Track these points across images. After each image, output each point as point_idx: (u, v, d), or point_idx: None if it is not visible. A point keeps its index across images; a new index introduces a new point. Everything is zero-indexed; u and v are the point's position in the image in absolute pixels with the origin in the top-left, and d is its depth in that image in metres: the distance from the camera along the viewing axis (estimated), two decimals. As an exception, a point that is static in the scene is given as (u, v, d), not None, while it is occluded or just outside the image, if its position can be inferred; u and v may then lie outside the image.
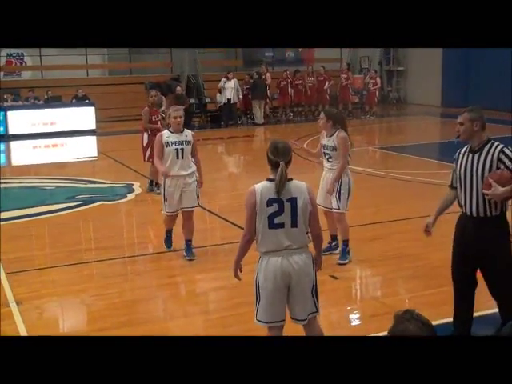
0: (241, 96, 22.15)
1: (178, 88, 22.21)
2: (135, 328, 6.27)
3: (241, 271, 5.02)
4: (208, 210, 10.82)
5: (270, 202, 4.64)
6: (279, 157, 4.68)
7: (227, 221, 9.92)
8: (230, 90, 21.79)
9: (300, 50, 27.06)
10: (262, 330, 4.94)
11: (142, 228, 10.00)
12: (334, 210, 7.94)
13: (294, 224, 4.69)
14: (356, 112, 24.44)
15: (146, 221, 10.27)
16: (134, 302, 7.15)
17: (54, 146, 19.67)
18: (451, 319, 5.82)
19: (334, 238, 8.33)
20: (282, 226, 4.67)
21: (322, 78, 24.00)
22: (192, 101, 22.70)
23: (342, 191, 7.88)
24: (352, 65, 26.69)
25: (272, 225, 4.66)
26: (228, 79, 21.87)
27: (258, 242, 4.75)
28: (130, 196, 11.89)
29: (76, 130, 20.56)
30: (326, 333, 5.75)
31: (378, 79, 24.22)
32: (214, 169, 16.01)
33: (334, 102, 24.48)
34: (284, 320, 4.87)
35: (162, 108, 21.55)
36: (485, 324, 6.14)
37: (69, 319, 6.94)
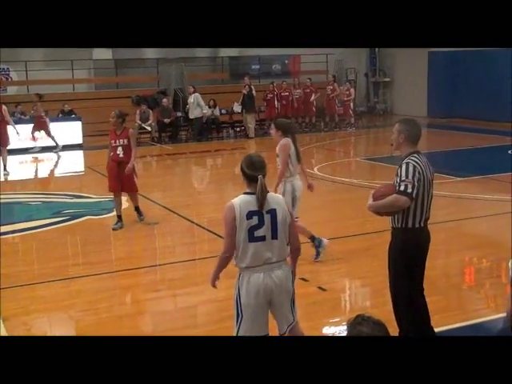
0: (205, 111, 21.71)
1: (165, 100, 22.24)
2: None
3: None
4: (196, 224, 10.81)
5: (249, 215, 4.62)
6: (256, 171, 4.70)
7: (215, 234, 9.90)
8: (190, 105, 21.69)
9: (286, 62, 27.17)
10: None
11: (128, 242, 9.96)
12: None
13: (275, 236, 4.69)
14: (342, 124, 24.53)
15: (133, 235, 10.22)
16: (121, 317, 7.11)
17: (41, 161, 19.59)
18: (442, 328, 5.86)
19: (312, 238, 8.41)
20: (262, 238, 4.66)
21: (309, 90, 24.09)
22: (179, 114, 22.70)
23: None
24: (338, 77, 26.80)
25: (252, 238, 4.64)
26: (190, 94, 21.78)
27: (238, 256, 4.71)
28: (118, 210, 11.80)
29: (63, 145, 20.48)
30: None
31: (352, 90, 24.37)
32: (201, 182, 16.02)
33: (320, 113, 24.61)
34: (268, 334, 4.87)
35: (149, 121, 21.66)
36: (473, 333, 6.16)
37: (57, 335, 6.88)
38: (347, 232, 9.82)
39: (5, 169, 16.38)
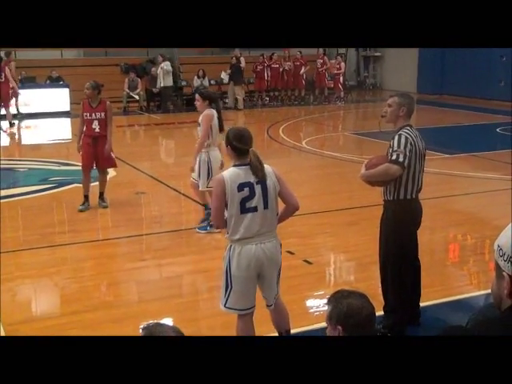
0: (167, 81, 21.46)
1: (154, 69, 22.04)
2: (108, 311, 6.25)
3: None
4: (183, 194, 10.80)
5: (240, 187, 4.63)
6: (248, 144, 4.74)
7: (202, 205, 9.88)
8: (160, 73, 21.43)
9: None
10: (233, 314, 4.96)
11: (115, 211, 9.93)
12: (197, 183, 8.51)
13: (266, 206, 4.70)
14: (332, 97, 24.48)
15: (120, 204, 10.20)
16: (107, 285, 7.12)
17: (28, 127, 19.43)
18: (425, 304, 5.92)
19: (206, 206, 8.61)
20: (254, 209, 4.67)
21: (299, 63, 24.00)
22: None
23: (200, 169, 8.32)
24: (328, 50, 26.67)
25: (244, 210, 4.65)
26: (159, 63, 21.48)
27: (231, 229, 4.70)
28: (105, 179, 11.74)
29: (50, 112, 20.32)
30: (299, 318, 5.80)
31: (343, 64, 24.29)
32: (189, 152, 15.95)
33: (310, 87, 24.54)
34: (255, 306, 4.91)
35: (138, 90, 21.50)
36: (455, 309, 6.23)
37: (42, 302, 6.89)
38: (335, 206, 9.84)
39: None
